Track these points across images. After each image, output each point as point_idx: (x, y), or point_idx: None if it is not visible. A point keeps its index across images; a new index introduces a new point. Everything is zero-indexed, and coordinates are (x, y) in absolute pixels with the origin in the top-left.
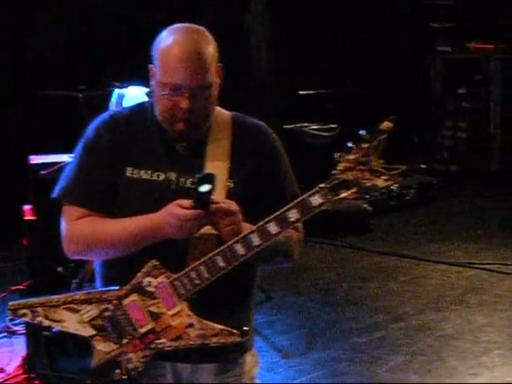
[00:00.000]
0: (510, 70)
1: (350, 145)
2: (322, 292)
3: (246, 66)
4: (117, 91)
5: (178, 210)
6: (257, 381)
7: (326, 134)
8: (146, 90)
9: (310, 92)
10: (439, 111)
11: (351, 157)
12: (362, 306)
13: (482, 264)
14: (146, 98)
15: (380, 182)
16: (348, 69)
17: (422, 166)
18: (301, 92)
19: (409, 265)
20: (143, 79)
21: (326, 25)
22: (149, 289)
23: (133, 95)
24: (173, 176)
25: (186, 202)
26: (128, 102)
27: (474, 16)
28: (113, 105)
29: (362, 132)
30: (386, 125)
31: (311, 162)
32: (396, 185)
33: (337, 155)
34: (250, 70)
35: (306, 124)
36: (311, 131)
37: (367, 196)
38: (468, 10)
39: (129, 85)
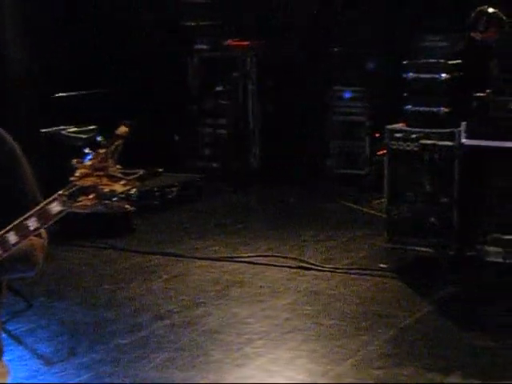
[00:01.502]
0: (266, 66)
1: (86, 151)
2: (84, 295)
3: None
4: None
5: None
6: None
7: (84, 136)
8: None
9: (66, 94)
10: (198, 109)
11: (88, 163)
12: (124, 307)
13: (243, 257)
14: None
15: (118, 187)
16: (103, 69)
17: (160, 170)
18: (57, 95)
19: (172, 262)
20: None
21: (80, 26)
22: None
23: None
24: None
25: None
26: None
27: (230, 14)
28: None
29: (99, 138)
30: (122, 129)
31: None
32: (134, 189)
33: (74, 161)
34: (2, 73)
35: (63, 127)
36: (68, 134)
37: (107, 201)
38: (224, 8)
39: None
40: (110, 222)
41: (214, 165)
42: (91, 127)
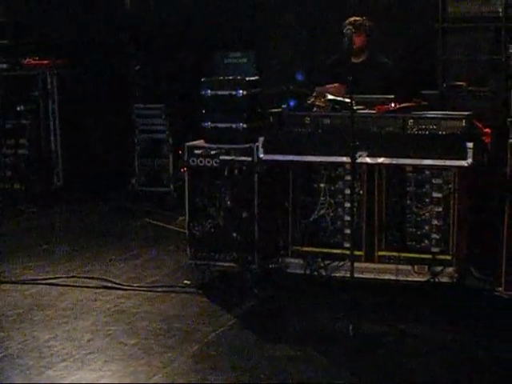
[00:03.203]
0: (66, 84)
1: None
2: None
3: None
4: None
5: None
6: None
7: None
8: None
9: None
10: None
11: None
12: None
13: (46, 279)
14: None
15: None
16: None
17: None
18: None
19: None
20: None
21: None
22: None
23: None
24: None
25: None
26: None
27: (27, 32)
28: None
29: None
30: None
31: None
32: None
33: None
34: None
35: None
36: None
37: None
38: (21, 27)
39: None
40: None
41: (16, 186)
42: None
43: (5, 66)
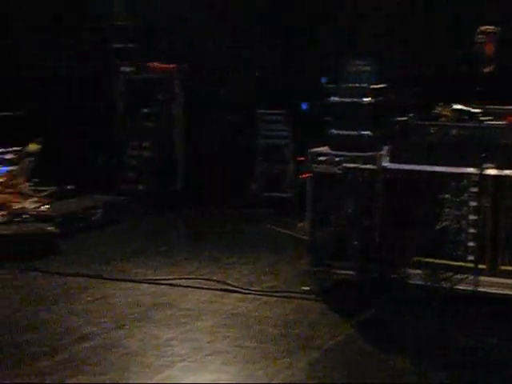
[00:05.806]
0: (190, 89)
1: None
2: (5, 317)
3: None
4: None
5: None
6: None
7: None
8: None
9: None
10: (123, 131)
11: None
12: (46, 329)
13: (167, 280)
14: None
15: (29, 204)
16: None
17: (70, 187)
18: None
19: (95, 284)
20: None
21: None
22: None
23: None
24: None
25: None
26: None
27: (152, 37)
28: None
29: (9, 155)
30: (33, 147)
31: None
32: (47, 206)
33: None
34: None
35: None
36: None
37: (18, 219)
38: (147, 32)
39: None
40: (34, 243)
41: (140, 187)
42: None
43: (129, 68)
